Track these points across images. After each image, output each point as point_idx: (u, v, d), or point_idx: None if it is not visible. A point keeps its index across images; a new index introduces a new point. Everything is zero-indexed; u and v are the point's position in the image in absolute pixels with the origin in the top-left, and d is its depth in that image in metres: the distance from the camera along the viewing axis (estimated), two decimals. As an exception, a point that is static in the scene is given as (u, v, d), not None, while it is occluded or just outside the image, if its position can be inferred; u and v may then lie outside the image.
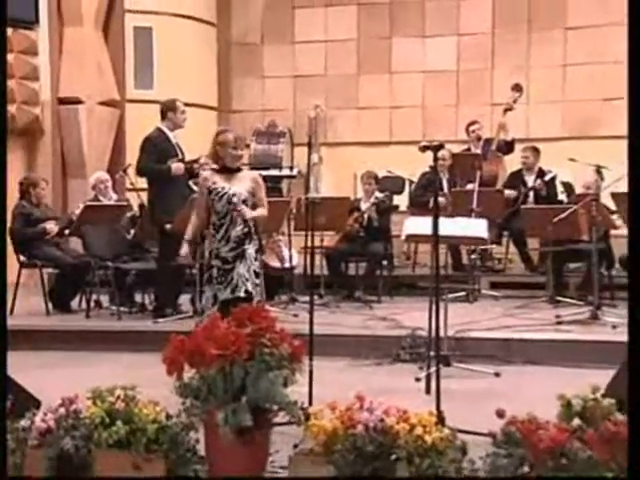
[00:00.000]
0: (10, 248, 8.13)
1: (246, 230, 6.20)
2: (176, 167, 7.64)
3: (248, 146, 10.36)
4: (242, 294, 6.10)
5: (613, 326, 7.10)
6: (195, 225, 6.38)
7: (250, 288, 6.16)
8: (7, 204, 8.29)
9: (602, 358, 5.48)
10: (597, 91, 11.30)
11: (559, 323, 7.35)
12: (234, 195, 6.09)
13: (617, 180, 8.00)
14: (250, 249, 6.22)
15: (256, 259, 6.24)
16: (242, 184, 6.19)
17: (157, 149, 7.70)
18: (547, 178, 9.30)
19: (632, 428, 2.95)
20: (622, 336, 6.67)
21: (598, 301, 7.53)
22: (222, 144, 6.19)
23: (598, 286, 7.65)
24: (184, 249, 6.46)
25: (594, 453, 3.45)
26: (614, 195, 7.67)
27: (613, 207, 7.81)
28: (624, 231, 7.85)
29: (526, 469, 3.48)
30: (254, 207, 6.18)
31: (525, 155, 9.62)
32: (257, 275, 6.27)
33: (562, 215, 7.71)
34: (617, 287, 8.33)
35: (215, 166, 6.32)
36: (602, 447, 3.46)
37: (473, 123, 10.10)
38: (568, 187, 9.27)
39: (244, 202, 6.13)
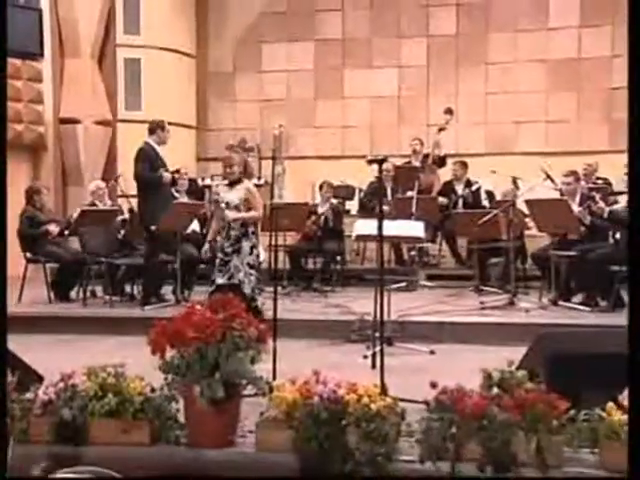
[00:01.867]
0: (18, 246, 8.09)
1: (243, 230, 6.61)
2: (166, 176, 7.64)
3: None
4: (235, 281, 6.50)
5: (526, 310, 7.20)
6: (214, 229, 6.85)
7: (242, 277, 6.54)
8: (15, 209, 8.35)
9: (517, 337, 5.50)
10: (511, 115, 11.49)
11: (483, 308, 7.41)
12: (226, 203, 6.53)
13: (529, 189, 8.13)
14: (246, 246, 6.59)
15: (250, 254, 6.59)
16: (237, 193, 6.59)
17: (150, 159, 7.68)
18: (474, 188, 9.39)
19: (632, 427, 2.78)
20: (534, 319, 6.84)
21: (514, 290, 7.59)
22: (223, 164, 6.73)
23: (514, 277, 7.71)
24: (205, 247, 7.02)
25: (509, 416, 3.50)
26: (527, 202, 7.69)
27: (526, 211, 7.86)
28: (536, 231, 7.98)
29: (454, 430, 3.52)
30: (249, 211, 6.60)
31: (455, 168, 9.71)
32: (251, 267, 6.63)
33: (485, 218, 7.79)
34: (530, 278, 8.38)
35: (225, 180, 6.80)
36: (516, 411, 3.51)
37: (413, 140, 10.17)
38: (490, 195, 9.35)
39: (236, 207, 6.55)
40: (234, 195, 6.58)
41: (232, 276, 6.53)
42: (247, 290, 6.47)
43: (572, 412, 3.60)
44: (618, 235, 7.49)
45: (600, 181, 9.13)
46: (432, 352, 6.08)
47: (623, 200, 7.71)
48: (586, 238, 7.43)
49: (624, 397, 3.57)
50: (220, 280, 6.54)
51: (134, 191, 8.00)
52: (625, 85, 11.73)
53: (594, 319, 6.80)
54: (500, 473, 3.37)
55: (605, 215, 7.33)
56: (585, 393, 3.75)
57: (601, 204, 7.41)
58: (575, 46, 11.43)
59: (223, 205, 6.57)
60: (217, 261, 6.65)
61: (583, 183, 8.10)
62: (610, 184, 9.02)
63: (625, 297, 7.28)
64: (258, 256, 6.85)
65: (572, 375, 3.95)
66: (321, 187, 9.35)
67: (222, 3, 12.38)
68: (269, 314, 5.17)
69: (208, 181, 9.29)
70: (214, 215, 6.92)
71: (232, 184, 6.65)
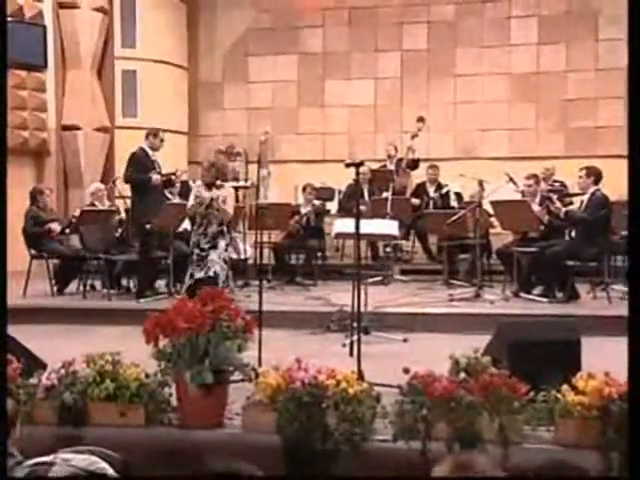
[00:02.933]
0: (23, 244, 8.05)
1: (220, 228, 6.68)
2: (155, 178, 7.60)
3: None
4: (211, 274, 6.55)
5: (491, 302, 7.24)
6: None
7: (218, 270, 6.60)
8: (20, 209, 8.31)
9: (482, 327, 5.49)
10: (477, 123, 11.50)
11: (451, 300, 7.41)
12: (212, 199, 6.62)
13: (494, 191, 8.15)
14: (222, 242, 6.68)
15: (226, 250, 6.60)
16: (220, 194, 6.70)
17: (140, 163, 7.65)
18: (444, 191, 9.41)
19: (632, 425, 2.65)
20: (497, 309, 6.86)
21: (480, 283, 7.61)
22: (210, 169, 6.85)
23: (480, 271, 7.74)
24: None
25: (475, 398, 3.53)
26: (492, 202, 7.72)
27: (491, 211, 7.87)
28: (499, 230, 8.03)
29: (424, 412, 3.54)
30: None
31: (430, 172, 9.69)
32: (225, 262, 6.74)
33: (454, 218, 7.83)
34: (494, 272, 8.37)
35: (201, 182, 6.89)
36: (481, 393, 3.54)
37: (388, 145, 10.18)
38: (458, 196, 9.36)
39: (211, 201, 6.64)
40: (212, 194, 6.67)
41: (209, 269, 6.56)
42: (220, 283, 6.52)
43: (531, 394, 3.63)
44: (573, 233, 7.55)
45: (557, 184, 9.19)
46: (405, 340, 6.10)
47: (578, 201, 7.79)
48: (544, 236, 7.48)
49: (577, 379, 3.61)
50: (198, 274, 6.57)
51: (129, 193, 8.00)
52: (578, 97, 11.90)
53: (551, 310, 6.85)
54: (466, 450, 3.39)
55: (561, 215, 7.39)
56: (543, 377, 3.78)
57: (558, 205, 7.47)
58: (534, 61, 11.50)
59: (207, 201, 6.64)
60: (194, 257, 6.65)
61: (542, 185, 8.15)
62: (566, 186, 9.08)
63: (578, 290, 7.35)
64: (231, 253, 6.91)
65: (531, 360, 3.98)
66: (304, 189, 9.33)
67: (212, 19, 12.32)
68: (255, 306, 5.14)
69: (198, 183, 9.23)
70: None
71: (209, 185, 6.72)
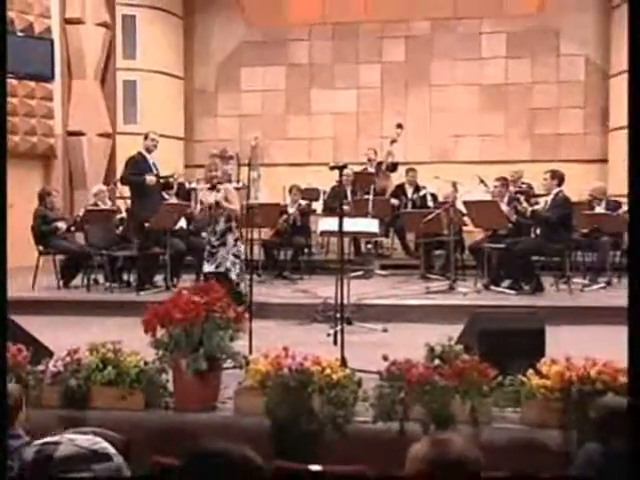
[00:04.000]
0: (32, 241, 8.02)
1: (228, 225, 6.67)
2: (149, 179, 7.54)
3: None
4: (222, 270, 6.53)
5: (464, 294, 7.24)
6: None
7: (228, 266, 6.58)
8: (29, 209, 8.27)
9: (456, 317, 5.48)
10: (451, 130, 11.52)
11: (427, 292, 7.42)
12: (217, 202, 6.63)
13: (466, 192, 8.17)
14: (230, 238, 6.66)
15: (235, 245, 6.57)
16: (219, 194, 6.68)
17: (135, 165, 7.61)
18: (421, 194, 9.42)
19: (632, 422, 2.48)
20: (470, 301, 6.87)
21: (454, 277, 7.62)
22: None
23: (454, 266, 7.75)
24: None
25: (448, 382, 3.54)
26: (465, 202, 7.74)
27: (464, 211, 7.89)
28: (472, 227, 8.05)
29: (402, 395, 3.55)
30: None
31: (408, 174, 9.68)
32: (235, 257, 6.66)
33: (430, 217, 7.82)
34: (467, 267, 8.35)
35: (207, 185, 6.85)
36: (453, 378, 3.56)
37: (368, 149, 10.18)
38: (433, 197, 9.38)
39: (217, 204, 6.64)
40: (217, 196, 6.65)
41: (219, 265, 6.54)
42: (233, 276, 6.52)
43: (499, 378, 3.65)
44: (538, 231, 7.59)
45: (524, 185, 9.23)
46: (385, 330, 6.08)
47: (542, 201, 7.83)
48: (512, 233, 7.52)
49: (541, 364, 3.63)
50: (208, 268, 6.56)
51: (129, 194, 7.97)
52: (542, 106, 11.95)
53: (518, 301, 6.87)
54: (441, 430, 3.40)
55: (528, 214, 7.42)
56: (510, 362, 3.80)
57: (525, 205, 7.50)
58: (502, 73, 11.55)
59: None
60: (205, 253, 6.65)
61: (511, 187, 8.19)
62: (532, 188, 9.12)
63: (543, 282, 7.39)
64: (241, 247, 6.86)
65: (500, 348, 4.00)
66: (290, 190, 9.31)
67: (207, 33, 12.26)
68: (246, 298, 5.13)
69: (194, 184, 9.18)
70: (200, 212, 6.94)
71: (213, 187, 6.70)
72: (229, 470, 1.62)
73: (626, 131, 11.62)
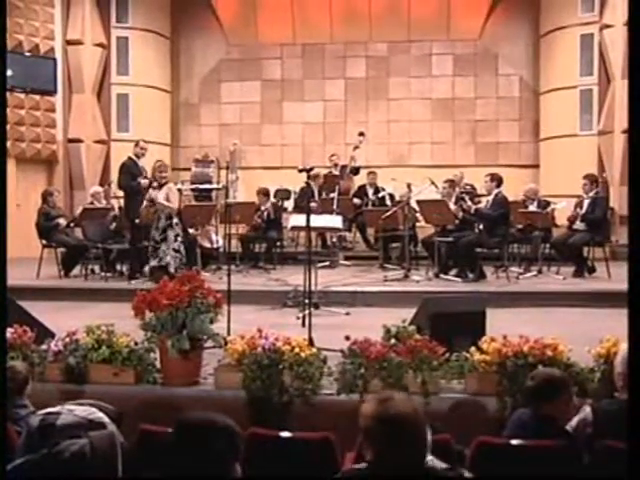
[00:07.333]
0: (36, 235, 7.98)
1: (168, 222, 6.62)
2: (144, 183, 7.46)
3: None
4: (163, 263, 6.53)
5: (417, 281, 7.28)
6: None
7: (169, 260, 6.52)
8: (34, 207, 8.16)
9: (410, 302, 5.48)
10: (406, 138, 11.61)
11: (385, 280, 7.41)
12: (152, 199, 6.65)
13: (419, 192, 8.23)
14: (171, 234, 6.57)
15: (175, 241, 6.47)
16: (161, 192, 6.67)
17: (128, 171, 7.51)
18: (380, 195, 9.45)
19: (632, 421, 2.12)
20: (422, 287, 6.88)
21: (409, 266, 7.65)
22: (154, 170, 6.83)
23: (409, 257, 7.78)
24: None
25: (402, 359, 3.57)
26: (418, 202, 7.77)
27: (417, 209, 7.90)
28: (424, 223, 8.10)
29: (362, 371, 3.57)
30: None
31: (369, 177, 9.69)
32: (176, 251, 6.63)
33: (387, 214, 7.87)
34: (420, 257, 8.35)
35: (155, 183, 6.84)
36: (407, 355, 3.58)
37: (333, 155, 10.19)
38: (391, 196, 9.39)
39: (152, 201, 6.68)
40: (160, 194, 6.69)
41: (161, 259, 6.46)
42: (172, 270, 6.47)
43: (447, 355, 3.69)
44: (481, 226, 7.68)
45: (468, 187, 9.32)
46: (347, 314, 6.07)
47: (484, 201, 7.93)
48: (459, 228, 7.59)
49: (482, 342, 3.69)
50: (152, 263, 6.50)
51: (122, 193, 7.89)
52: (484, 118, 12.05)
53: (464, 287, 6.95)
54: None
55: (472, 212, 7.51)
56: (456, 341, 3.84)
57: (469, 204, 7.59)
58: (450, 89, 11.67)
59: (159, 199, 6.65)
60: (149, 248, 6.56)
61: (457, 188, 8.26)
62: (475, 189, 9.23)
63: (485, 271, 7.49)
64: (183, 242, 6.78)
65: (447, 328, 4.04)
66: (257, 193, 9.16)
67: (190, 52, 12.15)
68: (225, 286, 5.08)
69: (179, 185, 9.09)
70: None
71: (160, 186, 6.71)
72: (213, 435, 1.67)
73: (554, 141, 11.81)
